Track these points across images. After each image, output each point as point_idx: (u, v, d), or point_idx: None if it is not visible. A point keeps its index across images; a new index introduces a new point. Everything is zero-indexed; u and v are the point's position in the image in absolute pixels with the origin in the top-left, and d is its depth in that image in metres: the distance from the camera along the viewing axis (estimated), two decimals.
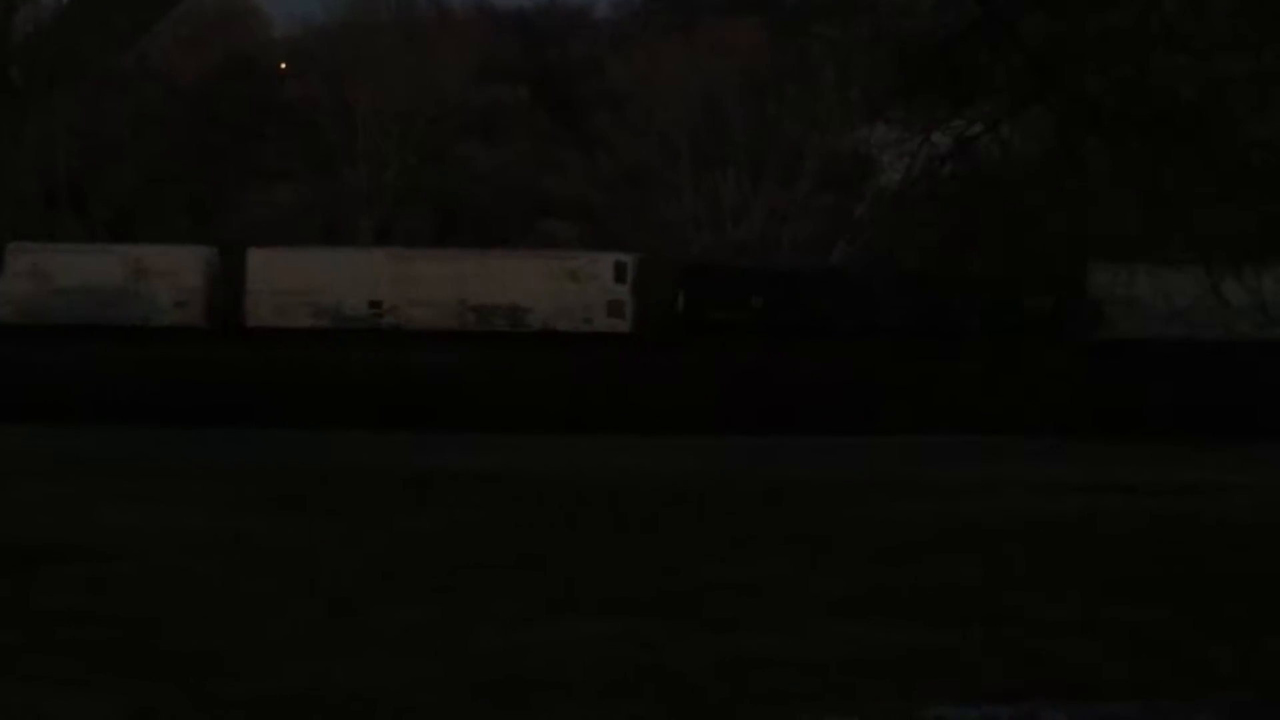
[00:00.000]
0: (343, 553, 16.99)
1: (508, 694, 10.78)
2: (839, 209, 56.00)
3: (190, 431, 35.74)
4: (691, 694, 10.86)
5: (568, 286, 46.76)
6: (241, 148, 65.36)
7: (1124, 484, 25.18)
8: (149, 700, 10.50)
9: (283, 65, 70.58)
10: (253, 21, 74.73)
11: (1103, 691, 11.09)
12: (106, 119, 60.05)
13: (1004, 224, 18.29)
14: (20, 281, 40.10)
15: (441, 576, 15.40)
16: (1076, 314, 44.71)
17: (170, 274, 46.66)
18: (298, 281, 45.83)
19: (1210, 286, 19.85)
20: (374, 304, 46.87)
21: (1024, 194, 17.87)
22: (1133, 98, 16.31)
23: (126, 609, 13.60)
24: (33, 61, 9.10)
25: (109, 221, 61.13)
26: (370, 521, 19.80)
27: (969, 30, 17.13)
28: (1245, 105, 16.88)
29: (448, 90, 66.50)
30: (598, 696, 10.71)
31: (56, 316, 44.51)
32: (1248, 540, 19.07)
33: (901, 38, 18.02)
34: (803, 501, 22.93)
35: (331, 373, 42.43)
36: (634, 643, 12.24)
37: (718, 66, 61.16)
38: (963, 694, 10.91)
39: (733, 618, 13.37)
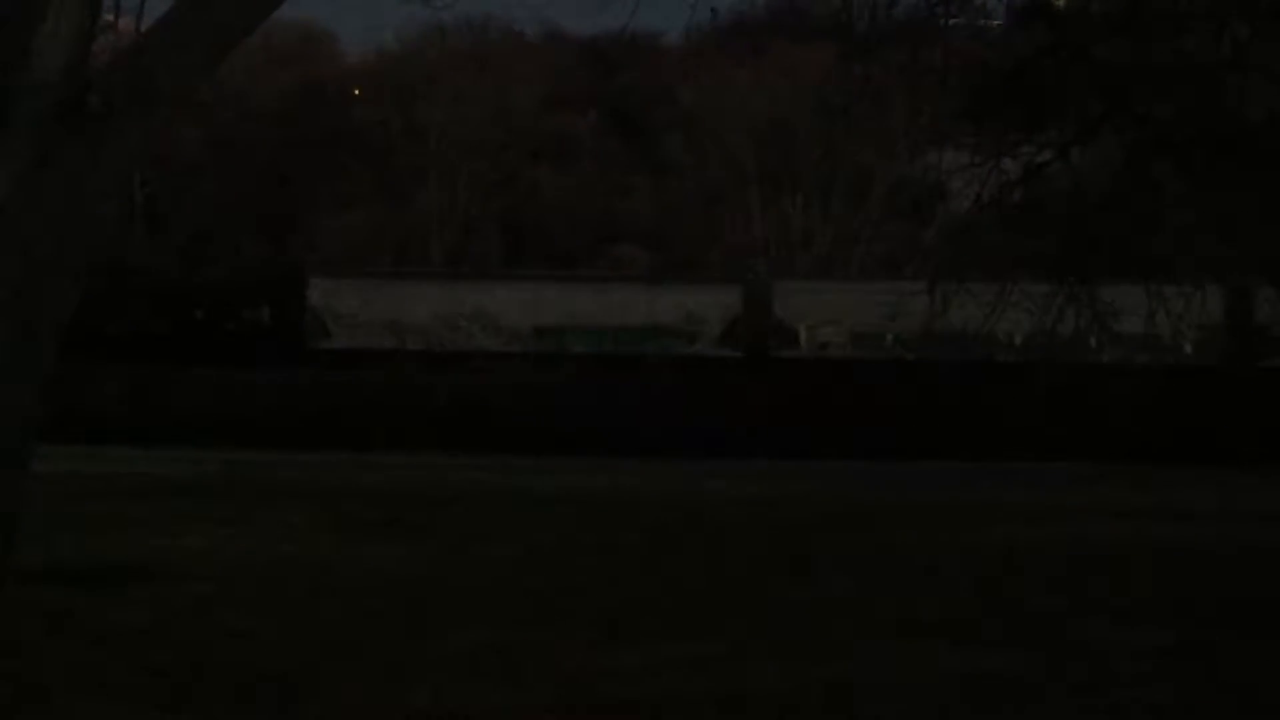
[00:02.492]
0: None
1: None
2: (908, 234, 56.01)
3: None
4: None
5: None
6: (315, 172, 65.88)
7: None
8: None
9: (356, 91, 71.14)
10: (327, 47, 75.38)
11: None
12: (182, 144, 60.66)
13: (1075, 249, 18.26)
14: None
15: None
16: (297, 325, 46.04)
17: None
18: None
19: None
20: None
21: (1094, 218, 17.86)
22: (1202, 121, 16.30)
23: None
24: (111, 89, 9.23)
25: (184, 245, 61.71)
26: None
27: (1040, 55, 17.15)
28: None
29: (519, 116, 66.85)
30: None
31: None
32: None
33: (972, 63, 18.05)
34: None
35: None
36: None
37: (787, 91, 61.26)
38: None
39: None
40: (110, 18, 10.79)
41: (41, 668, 11.84)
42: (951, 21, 17.69)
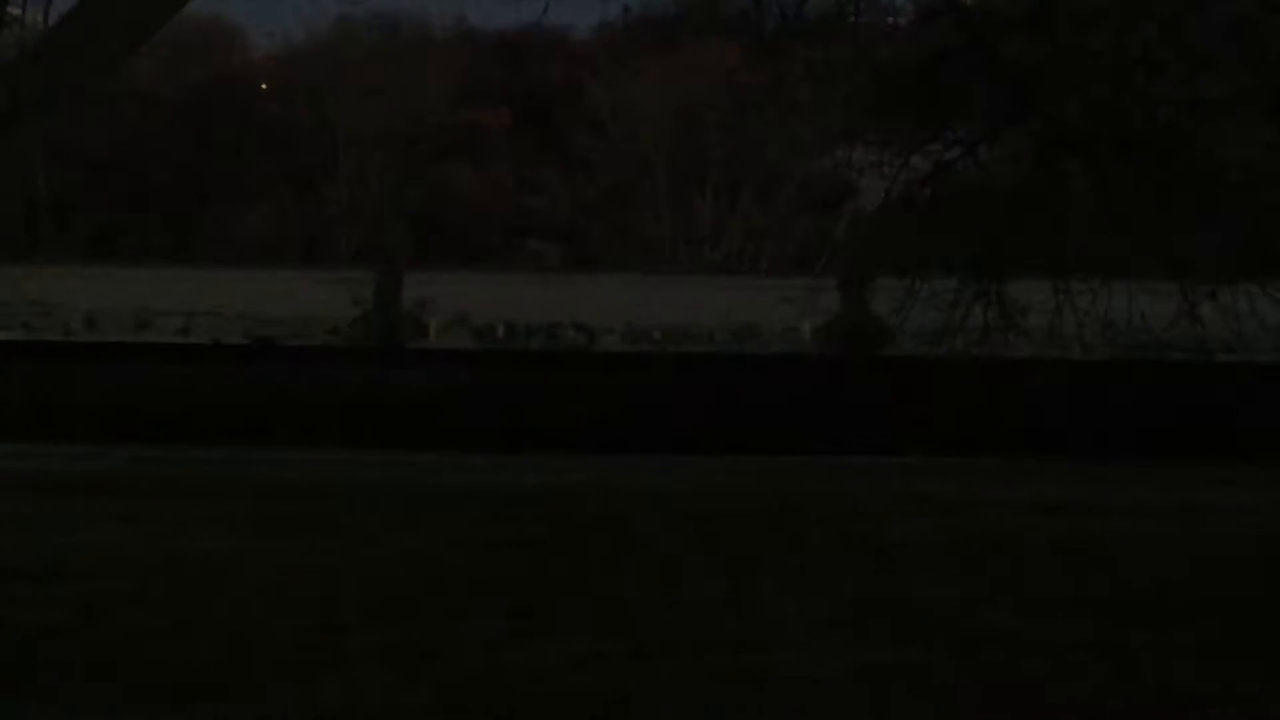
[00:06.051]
0: None
1: (495, 714, 10.83)
2: (817, 230, 56.23)
3: None
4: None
5: None
6: (222, 166, 65.44)
7: None
8: None
9: (263, 85, 70.73)
10: (234, 41, 74.91)
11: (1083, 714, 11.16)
12: (88, 137, 60.13)
13: (982, 245, 18.40)
14: None
15: None
16: None
17: None
18: None
19: (1187, 309, 19.91)
20: None
21: (1002, 216, 18.00)
22: (1110, 120, 16.45)
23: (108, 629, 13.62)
24: (18, 85, 9.16)
25: (91, 239, 61.18)
26: None
27: (948, 53, 17.26)
28: (1222, 127, 17.01)
29: (429, 111, 66.65)
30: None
31: None
32: None
33: (881, 60, 18.15)
34: None
35: None
36: None
37: (697, 87, 61.43)
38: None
39: None
40: (17, 12, 10.68)
41: None
42: (861, 19, 17.80)
